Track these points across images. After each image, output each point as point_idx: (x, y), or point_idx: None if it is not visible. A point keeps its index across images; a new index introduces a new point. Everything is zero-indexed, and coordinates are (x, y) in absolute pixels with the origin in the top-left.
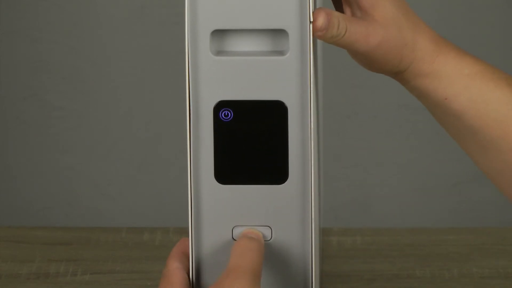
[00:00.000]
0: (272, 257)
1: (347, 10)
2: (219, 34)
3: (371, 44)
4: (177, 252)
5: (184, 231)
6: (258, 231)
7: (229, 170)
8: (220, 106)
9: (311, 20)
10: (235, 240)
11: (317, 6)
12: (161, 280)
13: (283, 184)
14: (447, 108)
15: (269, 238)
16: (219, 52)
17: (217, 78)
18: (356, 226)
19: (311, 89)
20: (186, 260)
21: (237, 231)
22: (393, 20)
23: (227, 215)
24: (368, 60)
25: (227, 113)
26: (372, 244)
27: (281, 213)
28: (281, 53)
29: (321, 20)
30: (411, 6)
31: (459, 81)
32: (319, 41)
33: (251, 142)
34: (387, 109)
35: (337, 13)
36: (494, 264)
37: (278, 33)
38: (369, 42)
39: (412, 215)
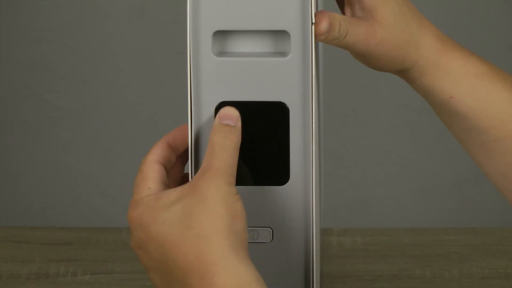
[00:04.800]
0: (273, 258)
1: (347, 10)
2: (221, 35)
3: (371, 44)
4: (160, 143)
5: None
6: (234, 112)
7: None
8: (222, 107)
9: (313, 21)
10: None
11: (319, 8)
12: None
13: (285, 185)
14: (452, 107)
15: (269, 239)
16: (221, 53)
17: (219, 79)
18: (356, 226)
19: (313, 90)
20: (166, 151)
21: None
22: (396, 19)
23: None
24: (370, 60)
25: None
26: (372, 244)
27: (282, 214)
28: (283, 54)
29: (324, 24)
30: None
31: (466, 80)
32: (320, 42)
33: (253, 143)
34: (387, 109)
35: (338, 15)
36: (494, 264)
37: (280, 34)
38: (369, 42)
39: (412, 215)
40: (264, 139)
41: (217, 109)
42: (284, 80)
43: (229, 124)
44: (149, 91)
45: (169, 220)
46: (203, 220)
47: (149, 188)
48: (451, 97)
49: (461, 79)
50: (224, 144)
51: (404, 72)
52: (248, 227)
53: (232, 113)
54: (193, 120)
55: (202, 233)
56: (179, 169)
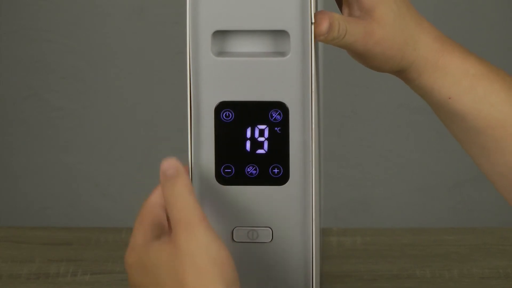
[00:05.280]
0: (273, 258)
1: (345, 9)
2: (221, 35)
3: (369, 44)
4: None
5: None
6: (171, 161)
7: (230, 171)
8: (221, 107)
9: (313, 21)
10: (235, 241)
11: (319, 8)
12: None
13: (284, 185)
14: (451, 108)
15: (269, 239)
16: (220, 53)
17: (219, 79)
18: (356, 226)
19: (313, 90)
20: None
21: (238, 233)
22: (394, 19)
23: (227, 216)
24: (368, 59)
25: (228, 113)
26: (372, 244)
27: (282, 214)
28: (282, 54)
29: (324, 25)
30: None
31: (464, 81)
32: (320, 42)
33: (252, 143)
34: (387, 109)
35: (337, 15)
36: (494, 264)
37: (279, 34)
38: (367, 42)
39: (412, 215)
40: (263, 139)
41: (217, 109)
42: (284, 80)
43: (172, 174)
44: (149, 91)
45: (159, 274)
46: (189, 275)
47: (144, 233)
48: (450, 98)
49: (460, 80)
50: (179, 192)
51: (402, 72)
52: (248, 227)
53: (169, 162)
54: (192, 120)
55: None
56: None
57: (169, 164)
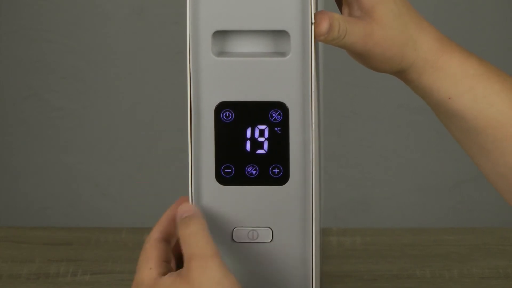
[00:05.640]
0: (273, 258)
1: (345, 9)
2: (221, 35)
3: (369, 44)
4: (164, 219)
5: None
6: (188, 206)
7: (230, 171)
8: (221, 107)
9: (313, 21)
10: (235, 241)
11: (319, 8)
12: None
13: (284, 185)
14: (450, 108)
15: (269, 239)
16: (220, 53)
17: (219, 79)
18: (356, 226)
19: (313, 90)
20: (170, 227)
21: (238, 233)
22: (394, 19)
23: (227, 216)
24: (367, 60)
25: (228, 114)
26: (372, 244)
27: (282, 214)
28: (282, 54)
29: (324, 25)
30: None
31: (464, 81)
32: (320, 42)
33: (252, 143)
34: (387, 109)
35: (337, 16)
36: (494, 264)
37: (280, 34)
38: (367, 42)
39: (412, 215)
40: (263, 139)
41: (217, 109)
42: (284, 80)
43: (187, 215)
44: (149, 91)
45: None
46: None
47: (150, 268)
48: (449, 98)
49: (459, 80)
50: (193, 230)
51: (402, 73)
52: (248, 227)
53: (186, 206)
54: (192, 120)
55: None
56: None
57: (186, 208)
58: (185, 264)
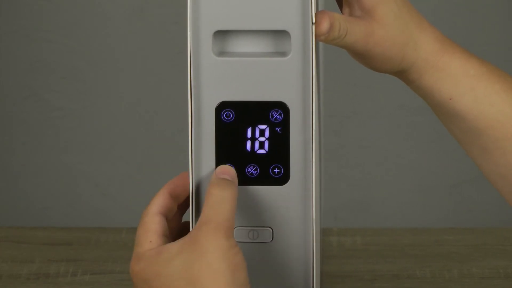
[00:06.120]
0: (273, 258)
1: (346, 9)
2: (221, 35)
3: (370, 44)
4: (162, 193)
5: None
6: (231, 169)
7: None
8: (222, 106)
9: (313, 21)
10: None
11: (319, 8)
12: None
13: (285, 185)
14: (451, 108)
15: (270, 239)
16: (221, 53)
17: (219, 79)
18: (356, 226)
19: (313, 90)
20: (168, 201)
21: (238, 233)
22: (395, 20)
23: None
24: (368, 60)
25: (229, 113)
26: (372, 244)
27: (282, 214)
28: (283, 54)
29: (325, 25)
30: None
31: (465, 81)
32: (320, 42)
33: (253, 143)
34: (387, 109)
35: (338, 15)
36: (494, 264)
37: (280, 34)
38: (367, 42)
39: (412, 215)
40: (264, 139)
41: (218, 108)
42: (284, 80)
43: (226, 178)
44: (149, 91)
45: (171, 275)
46: (204, 276)
47: (150, 241)
48: (450, 98)
49: (460, 81)
50: (223, 196)
51: (402, 73)
52: (249, 227)
53: (229, 169)
54: (193, 119)
55: None
56: (179, 218)
57: (228, 170)
58: (197, 226)
